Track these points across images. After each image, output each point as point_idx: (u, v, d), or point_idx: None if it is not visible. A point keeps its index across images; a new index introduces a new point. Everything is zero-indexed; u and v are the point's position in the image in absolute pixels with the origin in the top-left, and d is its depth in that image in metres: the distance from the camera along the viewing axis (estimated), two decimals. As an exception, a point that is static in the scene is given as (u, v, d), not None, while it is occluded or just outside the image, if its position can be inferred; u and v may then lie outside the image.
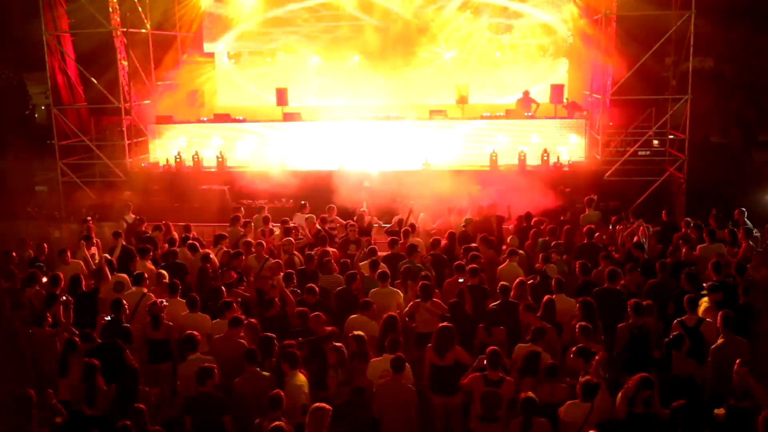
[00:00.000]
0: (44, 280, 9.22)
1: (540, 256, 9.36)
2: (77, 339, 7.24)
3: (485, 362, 6.41)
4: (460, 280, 8.54)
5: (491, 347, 6.50)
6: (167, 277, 8.96)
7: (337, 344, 6.86)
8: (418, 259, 9.44)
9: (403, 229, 10.48)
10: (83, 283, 9.09)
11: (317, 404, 5.70)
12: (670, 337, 6.94)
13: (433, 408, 7.10)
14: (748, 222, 10.67)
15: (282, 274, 8.78)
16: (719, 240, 9.90)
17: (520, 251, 9.72)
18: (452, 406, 6.97)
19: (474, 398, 6.38)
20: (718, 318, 6.94)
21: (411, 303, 8.09)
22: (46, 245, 10.85)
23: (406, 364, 6.52)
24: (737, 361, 6.19)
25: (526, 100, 16.56)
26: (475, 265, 8.70)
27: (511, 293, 8.08)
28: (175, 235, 11.20)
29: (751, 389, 6.06)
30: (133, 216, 12.42)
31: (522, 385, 6.46)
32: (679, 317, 7.44)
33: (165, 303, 8.19)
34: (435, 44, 17.93)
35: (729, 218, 10.94)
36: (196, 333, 7.19)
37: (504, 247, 10.30)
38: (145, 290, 8.71)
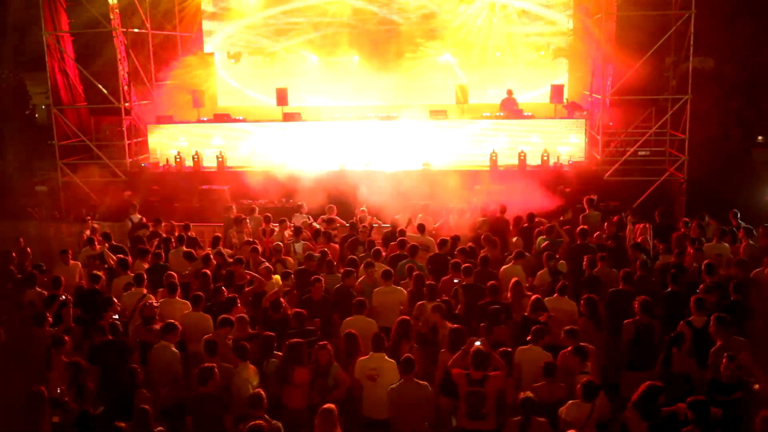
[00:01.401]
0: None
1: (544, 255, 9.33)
2: (65, 336, 7.23)
3: (470, 361, 6.41)
4: (456, 281, 8.53)
5: (475, 347, 6.46)
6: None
7: (321, 343, 6.85)
8: (418, 259, 9.45)
9: (398, 230, 10.53)
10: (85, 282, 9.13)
11: (325, 406, 5.72)
12: (672, 334, 6.94)
13: (441, 408, 7.07)
14: (742, 222, 10.66)
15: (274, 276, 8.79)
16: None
17: (527, 253, 9.72)
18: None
19: (459, 397, 6.42)
20: (711, 320, 6.91)
21: (417, 304, 8.11)
22: (29, 249, 10.79)
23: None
24: (725, 355, 6.20)
25: (510, 101, 16.49)
26: (468, 265, 8.69)
27: (508, 294, 8.13)
28: (175, 233, 11.19)
29: (752, 376, 6.09)
30: (139, 216, 12.42)
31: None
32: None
33: (156, 304, 8.17)
34: (435, 44, 17.92)
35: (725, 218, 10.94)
36: (174, 321, 7.30)
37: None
38: (145, 291, 8.70)
